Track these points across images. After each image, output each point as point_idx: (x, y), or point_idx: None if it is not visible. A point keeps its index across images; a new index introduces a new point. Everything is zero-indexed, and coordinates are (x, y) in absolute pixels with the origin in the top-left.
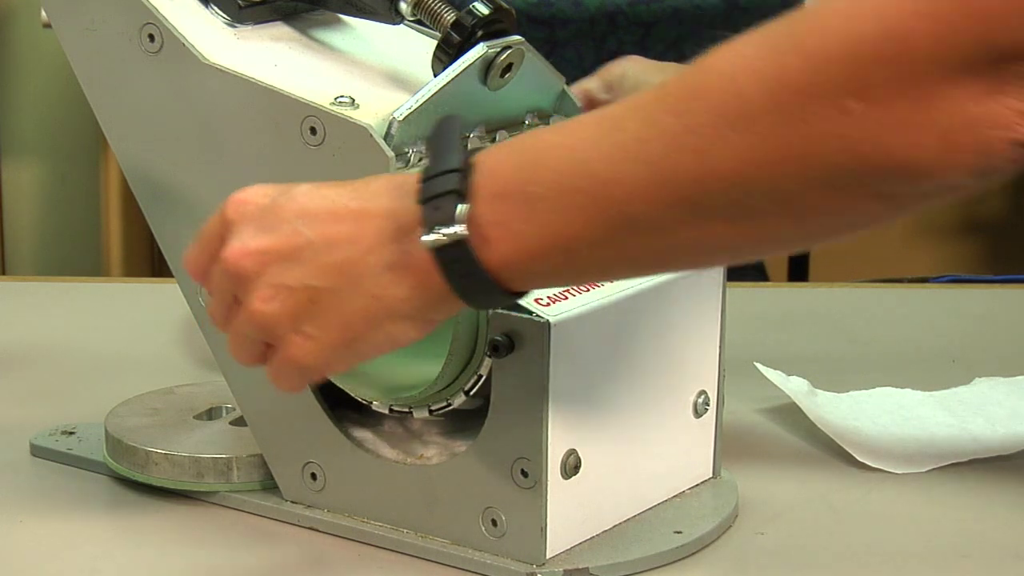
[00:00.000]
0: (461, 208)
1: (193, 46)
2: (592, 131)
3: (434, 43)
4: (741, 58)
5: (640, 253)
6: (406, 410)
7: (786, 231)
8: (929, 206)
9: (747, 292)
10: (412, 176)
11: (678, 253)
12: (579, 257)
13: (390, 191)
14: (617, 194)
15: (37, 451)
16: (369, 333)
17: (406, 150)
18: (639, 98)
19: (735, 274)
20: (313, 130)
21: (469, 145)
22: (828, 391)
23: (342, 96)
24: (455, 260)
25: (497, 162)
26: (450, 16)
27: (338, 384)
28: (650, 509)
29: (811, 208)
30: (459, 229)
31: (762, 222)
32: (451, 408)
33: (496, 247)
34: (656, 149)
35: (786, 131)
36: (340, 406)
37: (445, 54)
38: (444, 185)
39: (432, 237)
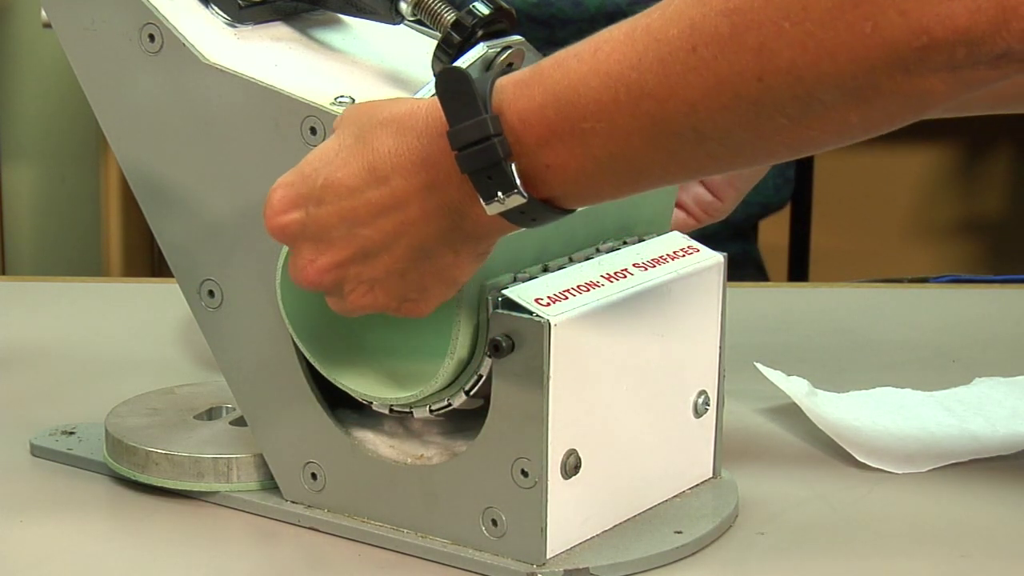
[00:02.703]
0: (513, 169)
1: (193, 46)
2: (627, 49)
3: (434, 43)
4: None
5: (703, 159)
6: (406, 410)
7: (850, 120)
8: (993, 82)
9: (747, 292)
10: (427, 135)
11: (741, 154)
12: (641, 175)
13: (410, 157)
14: (676, 108)
15: (37, 451)
16: (462, 272)
17: None
18: (671, 5)
19: (735, 274)
20: (313, 130)
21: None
22: (828, 391)
23: (342, 96)
24: (521, 211)
25: (531, 108)
26: (450, 16)
27: (338, 384)
28: (650, 509)
29: (876, 93)
30: (520, 191)
31: (827, 114)
32: (451, 408)
33: (555, 185)
34: (710, 54)
35: (846, 15)
36: (340, 406)
37: (445, 54)
38: (488, 156)
39: (494, 205)
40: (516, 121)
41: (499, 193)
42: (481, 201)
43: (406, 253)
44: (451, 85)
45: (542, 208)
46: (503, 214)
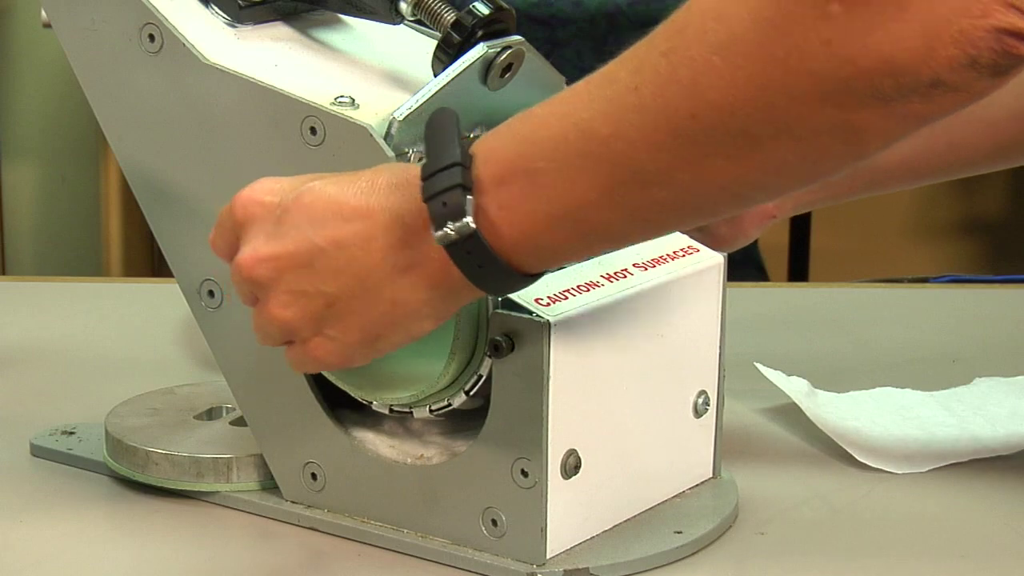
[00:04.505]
0: (467, 200)
1: (193, 46)
2: (584, 92)
3: (434, 43)
4: None
5: (649, 207)
6: (406, 410)
7: (787, 159)
8: (931, 116)
9: (747, 292)
10: (414, 172)
11: (685, 201)
12: (589, 223)
13: (394, 189)
14: (618, 148)
15: (37, 451)
16: (390, 334)
17: (406, 150)
18: (629, 50)
19: (735, 274)
20: (313, 130)
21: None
22: (828, 391)
23: (342, 96)
24: (468, 253)
25: (495, 147)
26: (450, 16)
27: (338, 384)
28: (650, 509)
29: (807, 127)
30: (468, 222)
31: (763, 152)
32: (451, 408)
33: (507, 232)
34: (649, 93)
35: (771, 47)
36: (340, 406)
37: (445, 54)
38: (447, 180)
39: (442, 233)
40: (480, 160)
41: (449, 223)
42: (432, 229)
43: (347, 280)
44: (438, 123)
45: (492, 256)
46: (452, 254)
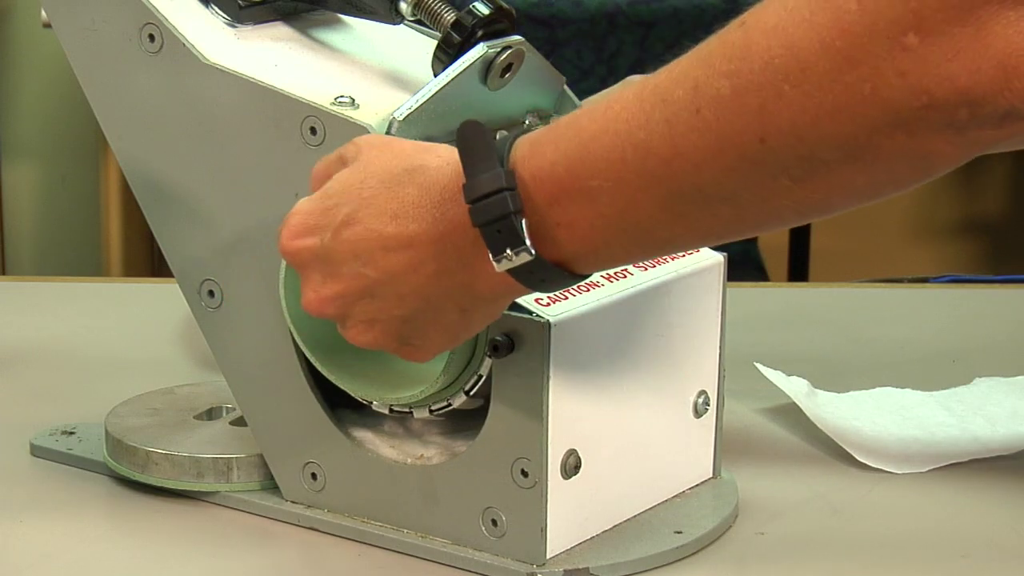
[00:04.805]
0: (523, 225)
1: (193, 46)
2: (636, 109)
3: (434, 43)
4: (786, 11)
5: (711, 222)
6: (406, 410)
7: (855, 182)
8: (999, 142)
9: (747, 292)
10: (450, 189)
11: (748, 217)
12: (651, 236)
13: (429, 208)
14: (681, 168)
15: (37, 451)
16: (468, 328)
17: None
18: (679, 65)
19: (735, 274)
20: (313, 130)
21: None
22: (828, 391)
23: (342, 96)
24: (530, 271)
25: (542, 166)
26: (450, 16)
27: (338, 384)
28: (650, 509)
29: (878, 153)
30: (528, 247)
31: (830, 175)
32: (451, 408)
33: (568, 246)
34: (712, 115)
35: (845, 77)
36: (340, 406)
37: (445, 54)
38: (498, 208)
39: (501, 259)
40: (528, 178)
41: (508, 249)
42: (490, 257)
43: (412, 302)
44: (471, 138)
45: (553, 270)
46: (512, 272)
